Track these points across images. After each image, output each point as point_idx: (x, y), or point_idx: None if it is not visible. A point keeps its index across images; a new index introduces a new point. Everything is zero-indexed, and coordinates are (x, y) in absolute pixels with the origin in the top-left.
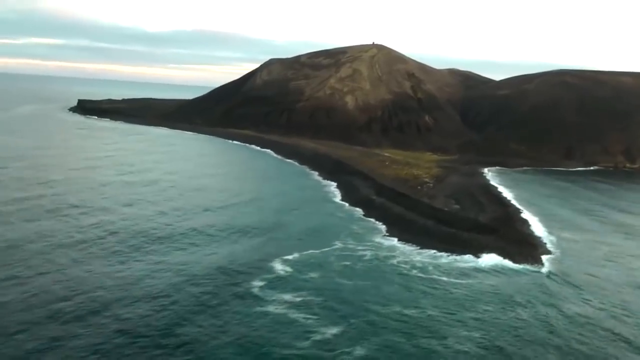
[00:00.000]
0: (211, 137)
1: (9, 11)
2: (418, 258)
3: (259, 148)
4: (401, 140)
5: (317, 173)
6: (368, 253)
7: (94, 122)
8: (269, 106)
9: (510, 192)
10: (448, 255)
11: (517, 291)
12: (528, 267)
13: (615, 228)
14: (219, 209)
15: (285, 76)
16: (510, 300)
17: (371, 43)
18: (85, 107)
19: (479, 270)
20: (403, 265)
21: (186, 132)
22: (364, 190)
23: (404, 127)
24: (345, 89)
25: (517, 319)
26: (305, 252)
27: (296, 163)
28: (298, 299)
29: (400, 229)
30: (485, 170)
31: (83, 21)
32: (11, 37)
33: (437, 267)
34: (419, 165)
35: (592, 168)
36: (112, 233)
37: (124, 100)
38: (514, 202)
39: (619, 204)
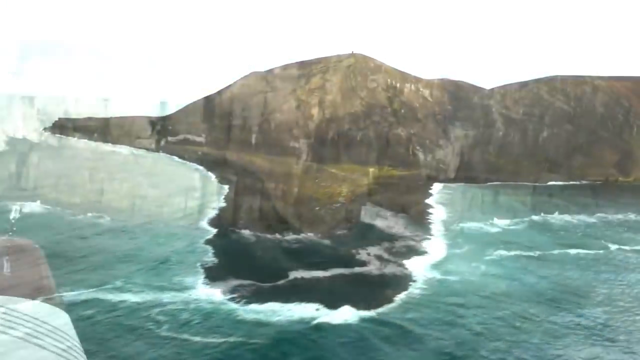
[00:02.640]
0: (159, 154)
1: None
2: (175, 304)
3: (196, 166)
4: (364, 154)
5: (225, 194)
6: (131, 298)
7: (54, 140)
8: (231, 121)
9: (446, 211)
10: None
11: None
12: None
13: (496, 265)
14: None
15: (254, 89)
16: None
17: (350, 52)
18: (59, 126)
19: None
20: (143, 314)
21: (138, 149)
22: (245, 215)
23: (373, 141)
24: (313, 101)
25: None
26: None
27: (215, 182)
28: None
29: (225, 264)
30: (439, 186)
31: None
32: None
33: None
34: (354, 182)
35: (572, 182)
36: None
37: (109, 119)
38: (435, 224)
39: (552, 224)
